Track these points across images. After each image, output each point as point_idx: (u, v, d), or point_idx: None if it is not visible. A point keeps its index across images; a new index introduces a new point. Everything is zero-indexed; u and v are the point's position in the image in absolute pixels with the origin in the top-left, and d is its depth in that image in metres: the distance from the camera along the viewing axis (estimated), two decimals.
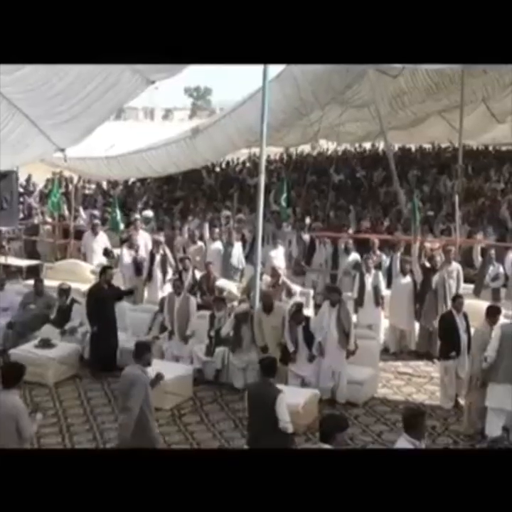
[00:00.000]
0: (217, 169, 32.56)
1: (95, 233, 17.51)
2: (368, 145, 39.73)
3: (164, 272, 15.10)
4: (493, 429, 9.95)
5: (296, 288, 14.41)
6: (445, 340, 11.14)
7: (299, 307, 11.73)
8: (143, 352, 8.15)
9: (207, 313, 12.85)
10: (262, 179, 12.32)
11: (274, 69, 15.95)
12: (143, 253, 15.63)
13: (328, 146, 37.16)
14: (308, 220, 18.86)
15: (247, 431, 8.52)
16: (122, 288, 13.85)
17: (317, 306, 15.01)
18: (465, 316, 11.13)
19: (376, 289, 13.69)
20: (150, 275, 15.13)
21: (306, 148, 37.25)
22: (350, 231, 17.68)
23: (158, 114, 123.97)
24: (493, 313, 10.39)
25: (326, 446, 6.13)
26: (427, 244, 15.04)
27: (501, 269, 14.09)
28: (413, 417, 6.57)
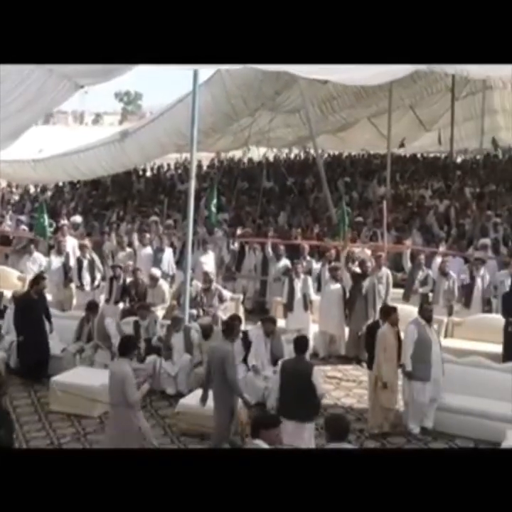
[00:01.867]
0: (148, 174, 32.37)
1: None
2: (297, 151, 40.02)
3: (93, 278, 14.93)
4: (416, 421, 10.56)
5: (227, 294, 14.41)
6: (371, 350, 11.03)
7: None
8: (130, 347, 8.67)
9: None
10: (192, 185, 12.26)
11: (204, 73, 15.93)
12: (71, 259, 15.40)
13: (259, 152, 37.27)
14: (238, 226, 18.83)
15: (279, 403, 9.20)
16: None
17: (246, 311, 15.07)
18: None
19: (305, 294, 13.77)
20: (78, 281, 14.94)
21: (237, 154, 37.29)
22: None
23: (88, 118, 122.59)
24: (387, 313, 10.69)
25: (257, 441, 6.32)
26: (355, 250, 15.18)
27: (430, 274, 14.27)
28: (337, 421, 6.66)
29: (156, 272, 14.64)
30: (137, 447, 8.18)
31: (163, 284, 14.60)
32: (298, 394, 8.88)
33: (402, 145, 32.96)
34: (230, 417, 9.10)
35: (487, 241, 16.44)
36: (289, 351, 10.61)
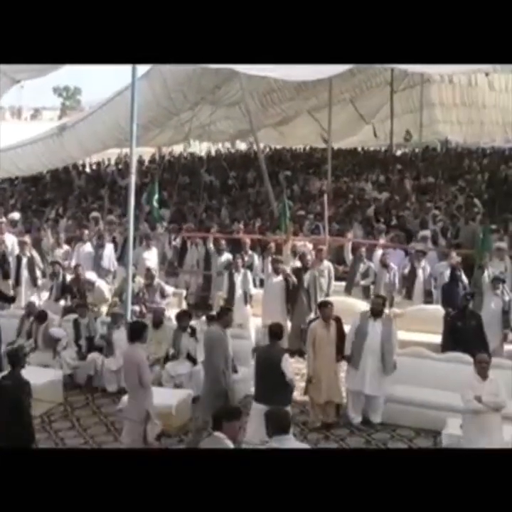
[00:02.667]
0: (88, 170, 32.00)
1: None
2: (241, 146, 40.01)
3: (32, 275, 14.71)
4: (356, 411, 10.76)
5: (170, 289, 14.35)
6: None
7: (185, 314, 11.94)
8: (141, 331, 9.09)
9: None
10: (133, 180, 12.15)
11: (143, 67, 15.73)
12: (9, 256, 15.14)
13: (201, 146, 37.15)
14: (180, 221, 18.74)
15: (255, 388, 9.49)
16: None
17: (189, 306, 15.03)
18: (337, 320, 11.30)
19: (246, 288, 13.80)
20: (17, 279, 14.70)
21: (178, 149, 37.09)
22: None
23: (27, 113, 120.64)
24: (319, 307, 10.99)
25: (217, 433, 6.46)
26: (297, 243, 15.23)
27: (371, 267, 14.40)
28: (284, 417, 6.63)
29: (92, 276, 14.49)
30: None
31: (101, 285, 14.48)
32: (270, 379, 9.15)
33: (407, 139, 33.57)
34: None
35: (427, 233, 16.65)
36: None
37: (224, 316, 9.84)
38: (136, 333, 9.01)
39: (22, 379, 8.20)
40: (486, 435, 8.54)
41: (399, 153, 37.24)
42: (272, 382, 9.14)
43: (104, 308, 13.54)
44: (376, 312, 10.84)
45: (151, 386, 8.98)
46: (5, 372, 8.74)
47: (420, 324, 13.01)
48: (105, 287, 14.56)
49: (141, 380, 8.68)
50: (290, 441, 6.40)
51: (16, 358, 8.38)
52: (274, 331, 9.61)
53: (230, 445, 6.42)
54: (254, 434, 8.81)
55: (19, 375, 8.25)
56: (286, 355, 9.37)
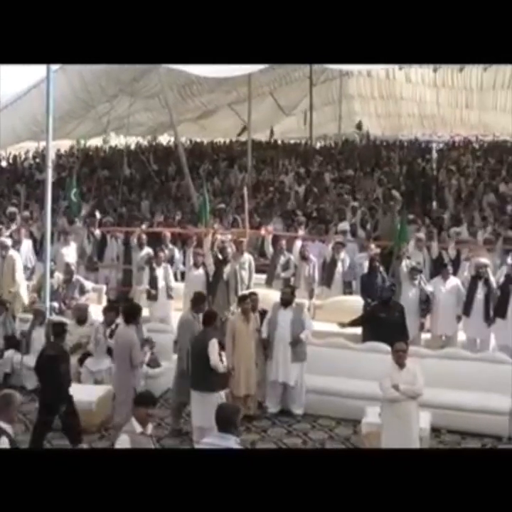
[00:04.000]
0: (4, 164, 31.30)
1: None
2: (161, 139, 39.67)
3: None
4: (273, 401, 10.96)
5: (89, 285, 14.18)
6: None
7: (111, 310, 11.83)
8: (136, 314, 9.83)
9: None
10: (50, 174, 11.95)
11: None
12: None
13: (120, 140, 36.72)
14: (99, 215, 18.49)
15: (191, 375, 9.83)
16: None
17: (110, 302, 14.83)
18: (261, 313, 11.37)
19: (168, 281, 13.76)
20: None
21: (97, 142, 36.58)
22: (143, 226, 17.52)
23: None
24: (238, 301, 11.16)
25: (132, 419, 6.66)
26: (218, 236, 15.21)
27: (291, 259, 14.49)
28: (234, 414, 6.59)
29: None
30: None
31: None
32: (200, 366, 9.55)
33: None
34: None
35: (346, 225, 16.86)
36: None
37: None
38: (132, 315, 9.74)
39: (62, 348, 9.75)
40: (403, 422, 8.73)
41: (318, 145, 37.49)
42: (201, 368, 9.53)
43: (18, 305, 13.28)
44: (286, 301, 11.00)
45: (140, 366, 9.68)
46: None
47: (340, 315, 13.15)
48: (23, 283, 14.28)
49: (133, 360, 9.38)
50: (229, 442, 6.26)
51: (59, 331, 9.75)
52: (207, 318, 9.94)
53: (137, 428, 6.56)
54: (200, 421, 9.29)
55: (60, 345, 9.74)
56: (214, 341, 9.61)
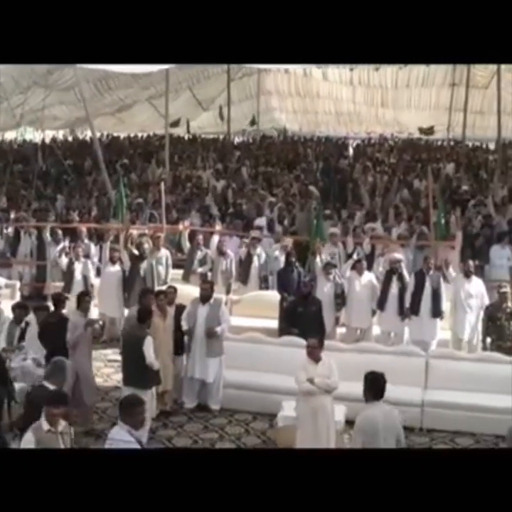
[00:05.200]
0: None
1: None
2: (78, 133, 39.13)
3: None
4: (189, 397, 10.96)
5: (2, 281, 13.93)
6: None
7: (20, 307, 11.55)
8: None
9: None
10: None
11: None
12: None
13: (35, 134, 36.02)
14: (13, 210, 18.13)
15: (122, 370, 9.91)
16: None
17: (24, 298, 14.58)
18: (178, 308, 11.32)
19: (85, 277, 13.59)
20: None
21: (11, 135, 35.81)
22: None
23: None
24: (158, 297, 10.90)
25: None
26: (134, 232, 15.11)
27: (208, 254, 14.48)
28: (130, 405, 6.55)
29: None
30: None
31: None
32: (135, 362, 9.49)
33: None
34: None
35: (262, 220, 16.95)
36: None
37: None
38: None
39: (63, 316, 10.31)
40: (318, 415, 8.81)
41: (237, 141, 37.57)
42: (135, 365, 9.49)
43: None
44: (204, 297, 11.00)
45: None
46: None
47: (257, 310, 13.23)
48: None
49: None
50: (120, 432, 6.28)
51: (58, 301, 10.53)
52: (141, 314, 9.84)
53: (45, 426, 6.49)
54: None
55: (60, 313, 10.41)
56: (149, 338, 9.58)
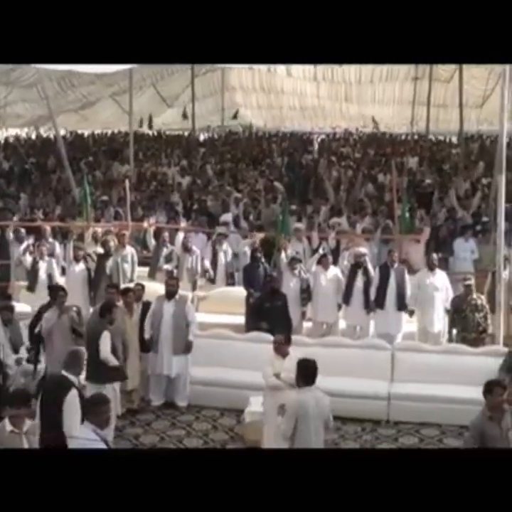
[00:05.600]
0: None
1: None
2: (41, 131, 38.79)
3: None
4: (156, 394, 10.99)
5: None
6: None
7: None
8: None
9: None
10: None
11: None
12: None
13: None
14: None
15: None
16: None
17: None
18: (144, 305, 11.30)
19: (50, 276, 13.50)
20: None
21: None
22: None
23: None
24: (124, 295, 10.94)
25: None
26: (99, 230, 15.03)
27: (174, 251, 14.44)
28: (95, 404, 6.54)
29: None
30: None
31: None
32: (93, 357, 9.41)
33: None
34: None
35: (228, 217, 16.95)
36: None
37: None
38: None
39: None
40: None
41: (202, 137, 37.51)
42: (93, 360, 9.39)
43: None
44: (169, 293, 11.00)
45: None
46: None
47: (223, 306, 13.23)
48: None
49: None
50: (85, 431, 6.28)
51: (54, 294, 10.49)
52: (103, 309, 9.83)
53: (7, 426, 6.46)
54: None
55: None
56: (106, 333, 9.54)
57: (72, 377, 7.58)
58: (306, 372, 7.65)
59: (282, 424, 7.74)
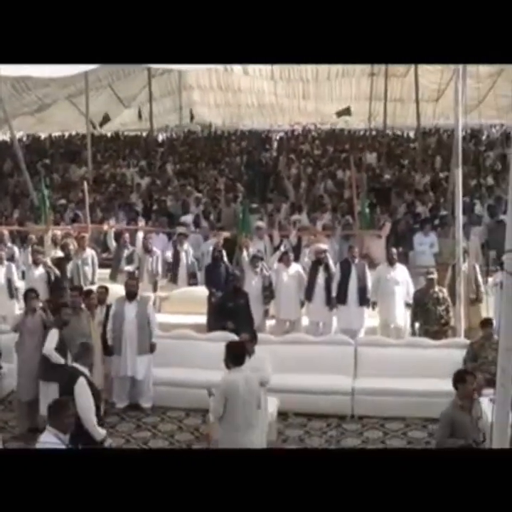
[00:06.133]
0: None
1: None
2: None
3: None
4: (120, 396, 10.95)
5: None
6: None
7: None
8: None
9: None
10: None
11: None
12: None
13: None
14: None
15: None
16: None
17: None
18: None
19: (9, 281, 13.33)
20: None
21: None
22: None
23: None
24: (87, 297, 10.94)
25: None
26: (58, 233, 14.91)
27: (135, 252, 14.37)
28: (57, 409, 6.48)
29: None
30: None
31: None
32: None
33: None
34: None
35: (188, 217, 16.92)
36: None
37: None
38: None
39: None
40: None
41: (160, 137, 37.34)
42: (43, 357, 9.64)
43: None
44: (130, 294, 10.96)
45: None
46: None
47: (186, 306, 13.20)
48: None
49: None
50: (47, 435, 6.26)
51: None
52: (55, 307, 10.11)
53: None
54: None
55: None
56: (53, 330, 9.67)
57: (81, 368, 7.94)
58: (234, 353, 7.92)
59: (213, 404, 8.06)
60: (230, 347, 8.06)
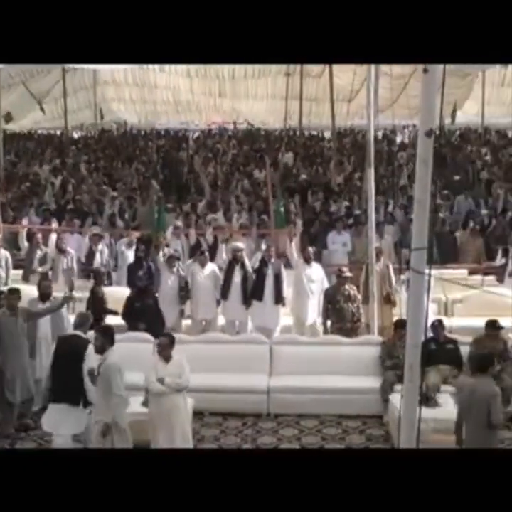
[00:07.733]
0: None
1: None
2: None
3: None
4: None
5: None
6: None
7: None
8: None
9: None
10: None
11: None
12: None
13: None
14: None
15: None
16: None
17: None
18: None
19: None
20: None
21: None
22: None
23: None
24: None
25: None
26: None
27: (48, 252, 14.15)
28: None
29: None
30: None
31: None
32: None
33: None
34: None
35: (104, 215, 16.76)
36: None
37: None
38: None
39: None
40: (171, 415, 8.80)
41: (76, 135, 36.79)
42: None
43: None
44: (44, 296, 10.87)
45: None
46: None
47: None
48: None
49: None
50: None
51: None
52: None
53: None
54: None
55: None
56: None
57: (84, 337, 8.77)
58: (111, 333, 8.63)
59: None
60: (105, 329, 8.76)
